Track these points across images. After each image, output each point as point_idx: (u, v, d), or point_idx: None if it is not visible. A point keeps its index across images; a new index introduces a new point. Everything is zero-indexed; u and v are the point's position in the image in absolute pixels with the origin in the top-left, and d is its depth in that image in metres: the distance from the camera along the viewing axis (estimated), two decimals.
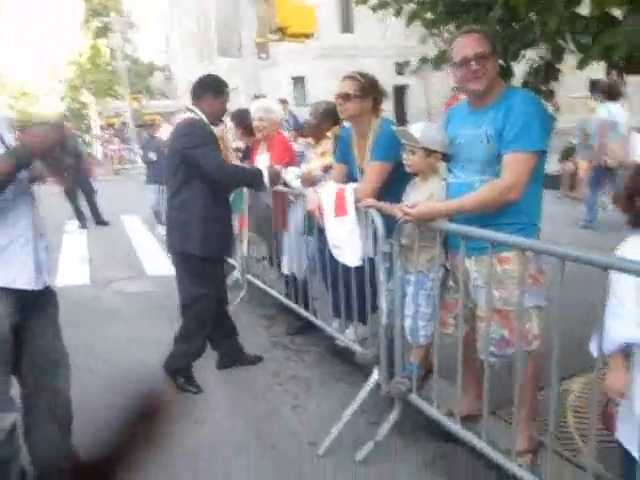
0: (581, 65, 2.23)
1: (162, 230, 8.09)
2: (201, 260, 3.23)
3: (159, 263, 6.61)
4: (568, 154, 8.89)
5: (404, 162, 2.45)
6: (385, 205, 2.60)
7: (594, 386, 1.76)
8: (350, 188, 2.76)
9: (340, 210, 2.76)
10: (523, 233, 2.20)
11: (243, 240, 4.39)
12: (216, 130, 3.39)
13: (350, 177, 3.05)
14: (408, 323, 2.55)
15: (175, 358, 3.36)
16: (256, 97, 5.57)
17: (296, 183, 3.48)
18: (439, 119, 2.75)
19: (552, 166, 8.99)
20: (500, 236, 1.97)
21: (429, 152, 2.38)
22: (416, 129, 2.42)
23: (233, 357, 3.59)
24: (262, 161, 4.12)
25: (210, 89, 3.27)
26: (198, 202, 3.18)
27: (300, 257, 3.74)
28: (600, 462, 2.16)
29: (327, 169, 3.59)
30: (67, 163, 2.00)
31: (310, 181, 3.46)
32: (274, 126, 4.11)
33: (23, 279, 1.97)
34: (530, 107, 2.18)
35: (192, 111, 3.26)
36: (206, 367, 3.48)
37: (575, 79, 2.86)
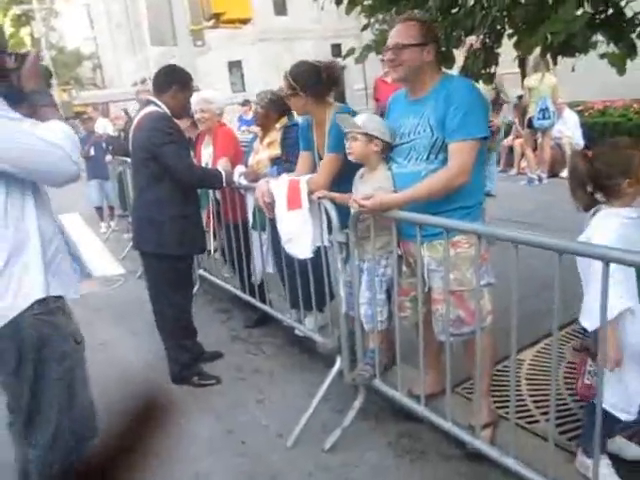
0: (525, 52, 2.30)
1: (105, 229, 7.87)
2: (176, 260, 3.18)
3: (103, 263, 6.43)
4: (505, 132, 9.17)
5: (347, 150, 2.48)
6: (338, 196, 2.62)
7: (553, 357, 1.85)
8: (304, 180, 2.76)
9: (293, 203, 2.75)
10: (472, 216, 2.31)
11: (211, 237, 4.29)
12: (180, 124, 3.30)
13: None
14: (363, 310, 2.59)
15: (182, 372, 3.34)
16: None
17: (242, 180, 3.42)
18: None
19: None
20: (456, 223, 2.03)
21: (370, 138, 2.41)
22: (358, 118, 2.47)
23: (194, 356, 3.55)
24: (207, 154, 4.06)
25: (175, 82, 3.14)
26: (170, 200, 3.10)
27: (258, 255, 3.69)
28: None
29: (274, 160, 3.57)
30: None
31: (254, 176, 3.42)
32: (215, 117, 4.03)
33: (73, 287, 1.87)
34: (469, 95, 2.24)
35: (155, 104, 3.13)
36: (167, 368, 3.43)
37: (504, 55, 2.96)
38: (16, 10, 28.77)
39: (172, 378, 3.35)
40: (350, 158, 2.50)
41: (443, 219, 2.09)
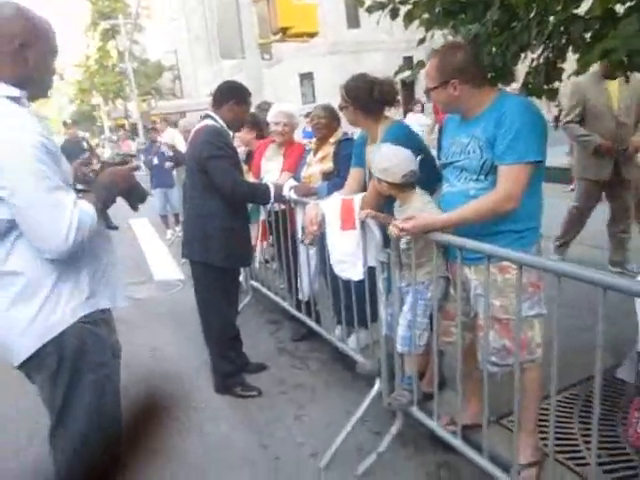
0: (583, 68, 2.16)
1: (171, 235, 8.12)
2: (222, 271, 3.22)
3: (165, 268, 6.63)
4: None
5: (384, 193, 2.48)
6: (384, 216, 2.56)
7: (595, 399, 1.71)
8: (358, 199, 2.70)
9: (347, 223, 2.69)
10: (523, 241, 2.18)
11: (257, 249, 4.32)
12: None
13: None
14: (401, 331, 2.50)
15: (225, 381, 3.39)
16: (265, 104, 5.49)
17: (292, 195, 3.40)
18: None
19: (560, 159, 8.89)
20: (495, 249, 1.92)
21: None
22: (382, 160, 2.41)
23: (238, 366, 3.58)
24: (272, 167, 4.06)
25: (233, 96, 3.21)
26: (220, 213, 3.15)
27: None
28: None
29: (326, 175, 3.54)
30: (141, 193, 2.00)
31: (305, 191, 3.42)
32: (293, 132, 4.06)
33: (121, 297, 1.93)
34: (521, 116, 2.10)
35: (212, 118, 3.21)
36: (211, 377, 3.48)
37: (570, 70, 2.80)
38: (104, 25, 30.58)
39: (215, 387, 3.39)
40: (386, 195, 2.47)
41: (483, 244, 1.98)
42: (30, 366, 1.74)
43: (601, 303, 1.48)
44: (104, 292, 1.83)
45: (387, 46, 26.19)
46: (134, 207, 2.00)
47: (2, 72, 1.63)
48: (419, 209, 2.32)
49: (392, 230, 2.27)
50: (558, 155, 8.97)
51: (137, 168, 1.92)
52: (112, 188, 1.83)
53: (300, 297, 3.77)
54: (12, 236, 1.63)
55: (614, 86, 4.23)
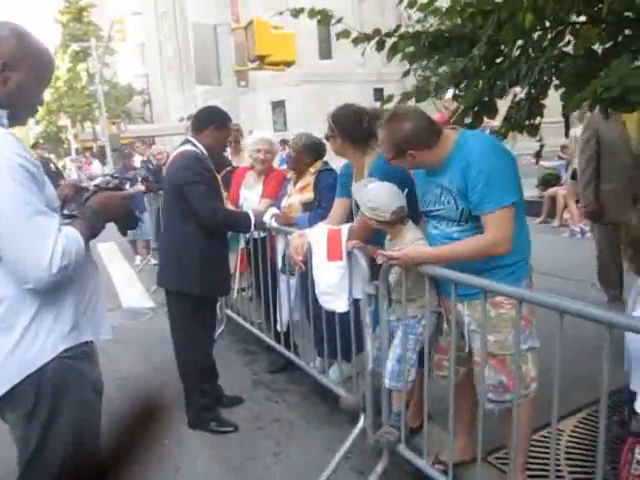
0: (574, 107, 2.19)
1: (139, 261, 7.92)
2: (197, 300, 3.12)
3: (136, 295, 6.44)
4: (548, 182, 8.98)
5: (375, 225, 2.41)
6: (370, 247, 2.52)
7: (600, 435, 1.66)
8: (345, 229, 2.66)
9: (334, 254, 2.64)
10: (514, 276, 2.17)
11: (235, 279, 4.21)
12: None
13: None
14: (390, 366, 2.43)
15: (199, 415, 3.24)
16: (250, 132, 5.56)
17: (273, 223, 3.35)
18: None
19: (530, 191, 9.10)
20: (494, 285, 1.90)
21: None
22: (370, 200, 2.35)
23: (213, 399, 3.44)
24: (252, 195, 3.99)
25: (213, 122, 3.15)
26: (196, 241, 3.06)
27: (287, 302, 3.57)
28: None
29: (306, 205, 3.50)
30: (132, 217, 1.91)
31: (285, 220, 3.36)
32: (274, 159, 4.01)
33: (105, 328, 1.80)
34: (488, 160, 2.06)
35: (192, 143, 3.14)
36: (184, 410, 3.33)
37: (549, 104, 2.84)
38: (75, 47, 30.35)
39: (188, 421, 3.24)
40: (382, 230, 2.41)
41: (482, 280, 1.95)
42: (3, 403, 1.60)
43: (606, 340, 1.46)
44: (88, 324, 1.70)
45: (359, 77, 26.70)
46: (123, 232, 1.91)
47: None
48: (410, 239, 2.29)
49: (380, 258, 2.23)
50: (528, 187, 9.20)
51: (133, 195, 1.83)
52: (103, 214, 1.73)
53: (278, 328, 3.67)
54: None
55: (632, 118, 3.83)
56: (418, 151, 2.15)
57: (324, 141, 3.24)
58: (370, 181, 2.48)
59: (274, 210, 3.49)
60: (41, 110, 37.43)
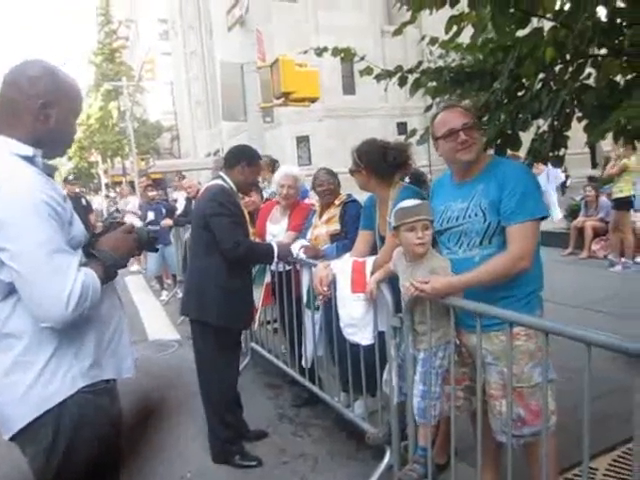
0: (597, 138, 2.20)
1: (166, 296, 7.97)
2: (219, 330, 3.14)
3: (162, 328, 6.50)
4: (575, 212, 8.89)
5: (417, 241, 2.25)
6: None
7: (635, 474, 1.60)
8: (370, 262, 2.67)
9: (358, 286, 2.64)
10: (530, 306, 2.20)
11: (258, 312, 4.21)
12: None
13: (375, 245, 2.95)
14: (416, 403, 2.39)
15: (223, 448, 3.22)
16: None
17: (301, 254, 3.38)
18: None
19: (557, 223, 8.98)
20: (519, 316, 1.89)
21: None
22: (415, 203, 2.34)
23: (237, 432, 3.42)
24: (278, 230, 4.03)
25: (244, 159, 3.26)
26: (219, 271, 3.11)
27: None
28: None
29: (333, 236, 3.52)
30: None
31: (315, 252, 3.39)
32: (298, 194, 4.07)
33: (128, 366, 1.80)
34: (524, 177, 2.21)
35: (222, 178, 3.25)
36: (208, 444, 3.31)
37: (574, 135, 2.85)
38: (107, 86, 31.49)
39: (212, 455, 3.22)
40: (420, 251, 2.27)
41: (507, 311, 1.95)
42: (23, 437, 1.61)
43: (638, 374, 1.42)
44: (109, 362, 1.71)
45: (382, 112, 27.02)
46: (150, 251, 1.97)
47: (18, 130, 1.60)
48: (432, 271, 2.26)
49: (408, 289, 2.21)
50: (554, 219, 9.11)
51: (131, 229, 1.85)
52: (117, 254, 1.73)
53: (303, 364, 3.65)
54: (14, 298, 1.54)
55: None
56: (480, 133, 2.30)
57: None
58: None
59: (303, 242, 3.51)
60: (73, 147, 38.68)
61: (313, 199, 4.56)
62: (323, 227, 3.63)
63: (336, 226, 3.54)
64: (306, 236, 3.72)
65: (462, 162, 2.27)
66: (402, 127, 26.03)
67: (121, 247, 1.76)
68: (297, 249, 3.36)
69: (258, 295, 3.81)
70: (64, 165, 41.85)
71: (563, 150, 2.94)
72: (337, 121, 26.17)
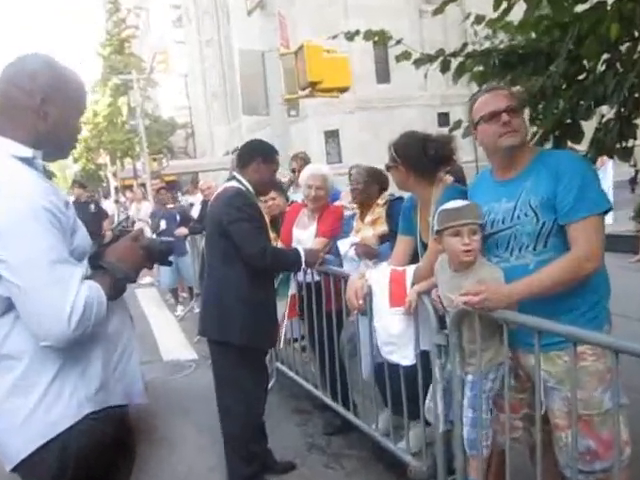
0: None
1: (181, 311, 8.05)
2: (243, 350, 3.13)
3: (178, 346, 6.58)
4: None
5: (463, 248, 2.20)
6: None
7: None
8: (410, 271, 2.64)
9: (397, 299, 2.61)
10: (597, 321, 2.15)
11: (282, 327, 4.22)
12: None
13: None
14: (466, 433, 2.35)
15: None
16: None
17: (351, 253, 3.38)
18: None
19: (625, 225, 8.77)
20: (586, 333, 1.84)
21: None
22: (461, 205, 2.29)
23: (262, 465, 3.42)
24: (306, 236, 3.98)
25: (258, 154, 3.26)
26: (240, 282, 3.11)
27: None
28: None
29: (382, 238, 3.53)
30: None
31: (368, 251, 3.40)
32: (328, 196, 4.04)
33: (138, 391, 1.83)
34: (581, 167, 2.18)
35: (237, 180, 3.24)
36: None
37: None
38: (116, 80, 32.10)
39: None
40: (468, 259, 2.21)
41: (571, 327, 1.90)
42: (25, 469, 1.61)
43: None
44: (118, 385, 1.72)
45: (421, 102, 26.94)
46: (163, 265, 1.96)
47: (17, 129, 1.62)
48: (481, 282, 2.18)
49: (456, 302, 2.17)
50: (621, 220, 8.87)
51: (137, 236, 1.83)
52: (125, 265, 1.73)
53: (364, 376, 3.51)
54: (12, 315, 1.56)
55: None
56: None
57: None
58: None
59: (353, 239, 3.51)
60: (79, 148, 39.50)
61: (344, 200, 4.56)
62: (369, 229, 3.64)
63: (384, 227, 3.55)
64: (336, 241, 3.72)
65: (505, 149, 2.23)
66: (444, 118, 25.89)
67: (128, 258, 1.75)
68: (347, 247, 3.35)
69: (282, 309, 3.80)
70: (70, 168, 42.82)
71: (632, 141, 2.87)
72: (370, 113, 26.16)
